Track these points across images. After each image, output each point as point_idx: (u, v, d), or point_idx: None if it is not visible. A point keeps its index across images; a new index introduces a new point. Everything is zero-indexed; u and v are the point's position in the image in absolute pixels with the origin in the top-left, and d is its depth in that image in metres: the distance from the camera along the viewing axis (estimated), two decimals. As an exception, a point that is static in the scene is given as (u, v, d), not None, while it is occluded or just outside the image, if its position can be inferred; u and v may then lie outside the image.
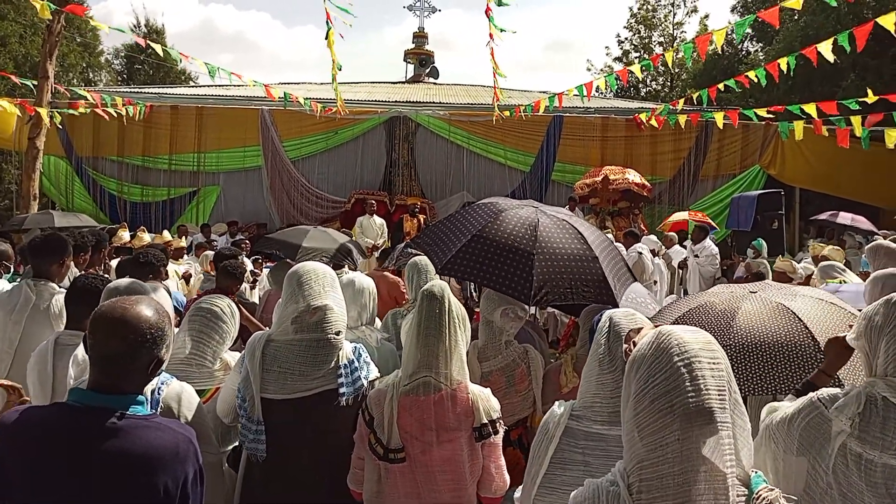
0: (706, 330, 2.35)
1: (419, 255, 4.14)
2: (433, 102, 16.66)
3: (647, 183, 12.77)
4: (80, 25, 26.18)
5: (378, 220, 12.37)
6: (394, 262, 6.41)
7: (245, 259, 7.16)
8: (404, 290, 5.08)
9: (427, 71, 21.93)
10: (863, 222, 11.89)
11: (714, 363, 1.33)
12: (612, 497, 1.35)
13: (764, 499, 1.31)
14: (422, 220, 13.00)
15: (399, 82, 21.98)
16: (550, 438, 1.86)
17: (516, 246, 3.27)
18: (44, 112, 11.51)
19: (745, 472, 1.33)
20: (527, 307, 3.28)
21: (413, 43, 22.39)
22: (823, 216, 12.45)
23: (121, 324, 1.64)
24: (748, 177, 14.57)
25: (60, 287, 3.65)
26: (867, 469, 1.59)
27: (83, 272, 4.47)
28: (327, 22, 8.79)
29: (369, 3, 65.16)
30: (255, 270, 7.90)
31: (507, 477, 2.40)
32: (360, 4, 15.09)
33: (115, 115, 11.64)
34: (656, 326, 1.55)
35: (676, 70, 29.30)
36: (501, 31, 9.58)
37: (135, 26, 29.97)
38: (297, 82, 20.07)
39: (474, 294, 6.28)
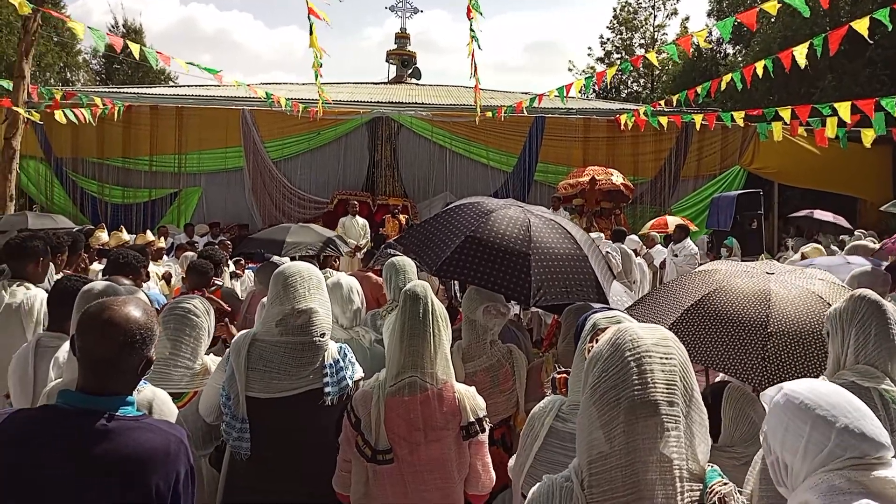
0: (742, 315, 2.42)
1: (398, 255, 4.14)
2: (415, 103, 16.66)
3: (630, 184, 12.88)
4: (57, 24, 25.81)
5: (360, 221, 12.34)
6: (376, 262, 6.43)
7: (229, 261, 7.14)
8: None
9: (409, 72, 21.92)
10: (840, 220, 12.09)
11: (665, 358, 1.34)
12: (566, 493, 1.37)
13: (717, 493, 1.32)
14: (403, 220, 12.99)
15: (381, 83, 21.94)
16: (536, 436, 1.88)
17: (512, 247, 3.27)
18: (21, 111, 11.35)
19: (699, 467, 1.34)
20: (508, 304, 3.29)
21: (395, 44, 22.36)
22: (801, 213, 12.65)
23: (109, 325, 1.64)
24: (728, 177, 14.75)
25: (38, 287, 3.62)
26: None
27: (61, 273, 4.43)
28: (309, 16, 8.76)
29: (350, 4, 65.04)
30: (237, 272, 7.86)
31: (494, 474, 2.42)
32: (342, 5, 15.02)
33: (89, 119, 11.47)
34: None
35: (658, 71, 29.57)
36: (474, 37, 9.61)
37: (113, 26, 29.63)
38: (278, 83, 19.96)
39: (458, 295, 6.29)
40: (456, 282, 6.21)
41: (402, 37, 22.33)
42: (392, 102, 16.47)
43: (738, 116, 10.80)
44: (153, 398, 2.25)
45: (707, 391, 2.66)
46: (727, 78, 9.55)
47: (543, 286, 3.17)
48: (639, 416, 1.29)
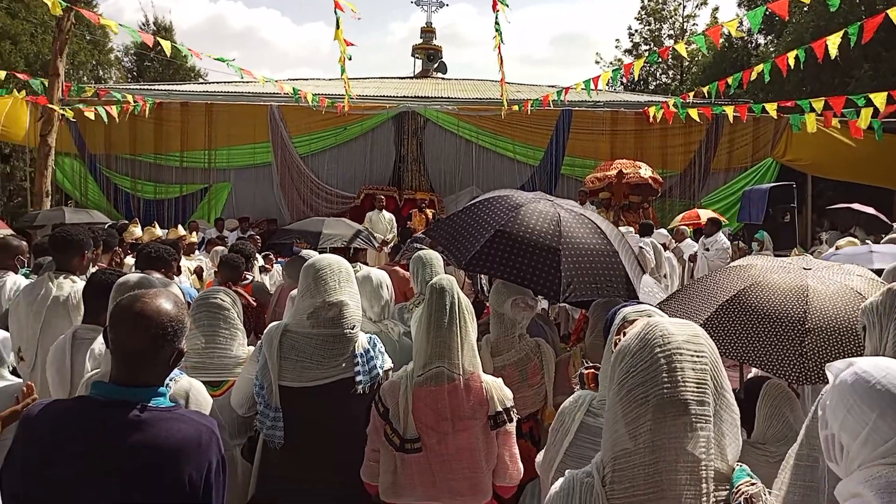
0: (779, 310, 2.36)
1: (423, 248, 4.15)
2: (441, 97, 16.64)
3: (658, 177, 12.71)
4: (90, 23, 26.30)
5: (387, 216, 12.39)
6: (402, 257, 6.46)
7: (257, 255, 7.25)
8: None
9: (435, 66, 21.91)
10: (879, 215, 11.77)
11: (697, 356, 1.31)
12: (586, 488, 1.35)
13: (743, 493, 1.29)
14: (430, 214, 13.01)
15: (407, 77, 21.97)
16: (566, 431, 1.87)
17: (542, 242, 3.24)
18: (55, 109, 11.61)
19: (728, 467, 1.31)
20: (536, 298, 3.28)
21: (421, 38, 22.37)
22: (839, 206, 12.35)
23: (142, 317, 1.66)
24: (760, 169, 14.47)
25: (81, 279, 3.71)
26: None
27: (96, 267, 4.53)
28: (335, 11, 8.82)
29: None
30: (266, 266, 7.95)
31: (521, 466, 2.43)
32: (367, 1, 15.07)
33: (114, 117, 11.69)
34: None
35: (688, 62, 29.14)
36: (498, 31, 9.56)
37: (143, 24, 30.12)
38: (305, 78, 20.11)
39: (486, 288, 6.29)
40: (483, 276, 6.20)
41: (427, 31, 22.32)
42: (418, 97, 16.48)
43: (771, 108, 10.58)
44: (189, 388, 2.30)
45: (740, 388, 2.62)
46: (759, 69, 9.37)
47: (573, 282, 3.14)
48: (667, 414, 1.26)
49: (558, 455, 1.87)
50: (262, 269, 7.70)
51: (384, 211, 12.44)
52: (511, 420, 2.39)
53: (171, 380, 2.24)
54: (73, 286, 3.54)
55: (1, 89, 10.60)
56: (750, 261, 3.23)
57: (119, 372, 1.68)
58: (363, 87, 17.21)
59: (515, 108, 13.02)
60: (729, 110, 11.15)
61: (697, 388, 1.28)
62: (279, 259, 8.26)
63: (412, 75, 22.26)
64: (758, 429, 2.24)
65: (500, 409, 2.36)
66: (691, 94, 12.32)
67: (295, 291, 3.45)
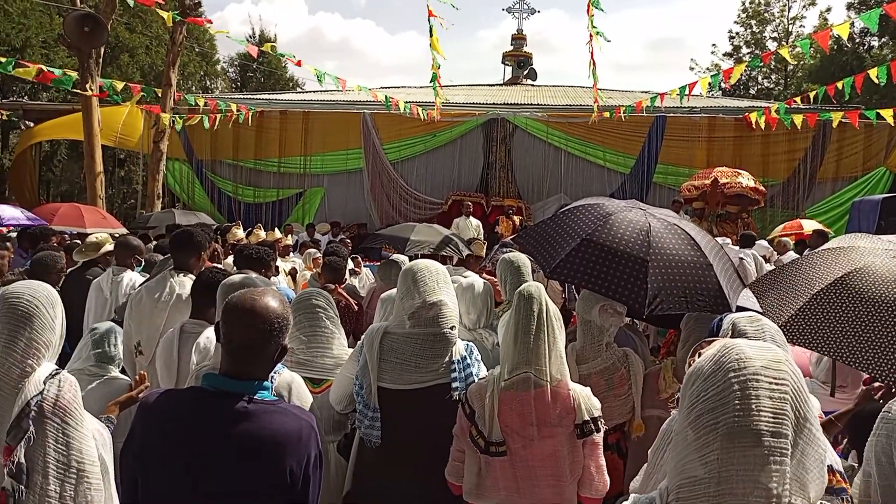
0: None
1: (511, 252, 4.14)
2: (531, 104, 16.59)
3: (760, 186, 12.10)
4: (199, 36, 27.99)
5: (474, 222, 12.46)
6: (489, 262, 6.49)
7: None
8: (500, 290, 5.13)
9: (525, 73, 21.86)
10: None
11: (776, 383, 1.21)
12: None
13: None
14: (517, 221, 12.97)
15: (497, 84, 22.04)
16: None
17: (629, 252, 3.17)
18: (166, 117, 12.42)
19: None
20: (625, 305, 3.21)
21: (511, 45, 22.39)
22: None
23: (251, 314, 1.75)
24: (871, 179, 13.57)
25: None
26: None
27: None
28: (429, 19, 9.03)
29: (467, 7, 65.69)
30: (356, 269, 8.17)
31: (608, 478, 2.39)
32: (457, 9, 15.16)
33: (213, 125, 12.39)
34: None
35: (792, 67, 27.69)
36: (598, 33, 9.44)
37: (250, 36, 31.74)
38: (397, 86, 20.56)
39: (575, 295, 6.21)
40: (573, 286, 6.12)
41: (518, 38, 22.32)
42: (507, 104, 16.50)
43: (887, 114, 9.89)
44: (291, 381, 2.43)
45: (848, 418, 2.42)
46: (873, 72, 8.78)
47: (660, 294, 3.04)
48: (737, 445, 1.19)
49: (661, 474, 1.81)
50: (352, 273, 7.92)
51: (471, 217, 12.52)
52: (598, 430, 2.36)
53: (274, 373, 2.36)
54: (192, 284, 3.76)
55: (117, 96, 11.43)
56: (852, 240, 2.97)
57: (228, 365, 1.79)
58: (453, 94, 17.41)
59: (606, 114, 12.79)
60: (838, 116, 10.51)
61: (774, 418, 1.19)
62: (367, 262, 8.48)
63: (501, 82, 22.30)
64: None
65: (587, 418, 2.33)
66: (798, 98, 11.68)
67: (385, 294, 3.56)
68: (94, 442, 2.03)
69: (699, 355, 1.39)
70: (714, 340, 1.67)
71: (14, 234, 8.75)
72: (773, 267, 8.71)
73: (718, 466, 1.20)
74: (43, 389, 1.92)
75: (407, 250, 7.34)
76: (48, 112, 16.15)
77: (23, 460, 1.83)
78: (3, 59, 9.40)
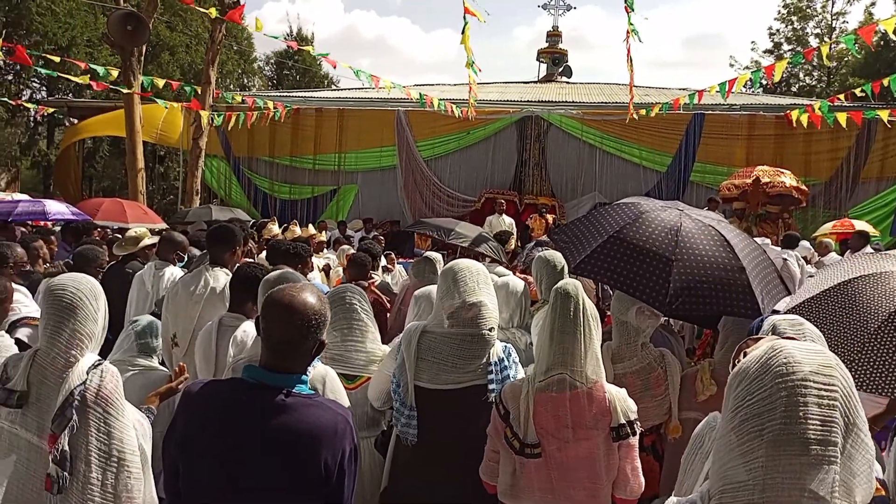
0: None
1: (546, 250, 4.11)
2: (566, 101, 16.45)
3: (803, 186, 11.79)
4: (237, 35, 28.45)
5: (507, 220, 12.41)
6: (523, 261, 6.47)
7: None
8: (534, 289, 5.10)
9: (560, 70, 21.68)
10: None
11: (826, 389, 1.16)
12: None
13: None
14: (551, 220, 12.89)
15: (531, 82, 21.90)
16: (706, 454, 1.77)
17: (654, 250, 3.13)
18: (205, 115, 12.64)
19: None
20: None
21: (546, 42, 22.23)
22: None
23: (290, 310, 1.78)
24: (918, 180, 13.13)
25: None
26: None
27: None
28: (464, 16, 8.99)
29: (502, 5, 65.47)
30: (388, 266, 8.21)
31: (643, 480, 2.36)
32: (494, 5, 15.19)
33: (250, 121, 12.60)
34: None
35: (835, 64, 26.95)
36: (634, 31, 9.32)
37: (287, 35, 32.17)
38: (431, 84, 20.59)
39: (610, 293, 6.15)
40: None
41: (553, 35, 22.15)
42: (542, 101, 16.39)
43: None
44: (326, 375, 2.45)
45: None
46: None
47: (682, 294, 2.98)
48: (783, 452, 1.15)
49: (698, 481, 1.77)
50: (385, 269, 7.96)
51: (504, 215, 12.48)
52: (634, 433, 2.33)
53: (310, 367, 2.39)
54: (227, 278, 3.83)
55: (160, 99, 11.71)
56: (890, 265, 2.86)
57: (268, 358, 1.82)
58: (487, 91, 17.36)
59: (643, 111, 12.61)
60: (884, 114, 10.20)
61: (822, 426, 1.15)
62: (400, 260, 8.52)
63: (536, 80, 22.16)
64: None
65: (623, 420, 2.30)
66: (841, 95, 11.35)
67: (419, 291, 3.56)
68: (135, 432, 2.08)
69: (744, 355, 1.35)
70: (760, 338, 1.63)
71: (58, 228, 9.01)
72: (814, 269, 8.50)
73: (763, 473, 1.17)
74: (86, 379, 1.97)
75: (450, 237, 7.57)
76: (91, 109, 16.57)
77: (67, 448, 1.88)
78: (47, 69, 9.76)
